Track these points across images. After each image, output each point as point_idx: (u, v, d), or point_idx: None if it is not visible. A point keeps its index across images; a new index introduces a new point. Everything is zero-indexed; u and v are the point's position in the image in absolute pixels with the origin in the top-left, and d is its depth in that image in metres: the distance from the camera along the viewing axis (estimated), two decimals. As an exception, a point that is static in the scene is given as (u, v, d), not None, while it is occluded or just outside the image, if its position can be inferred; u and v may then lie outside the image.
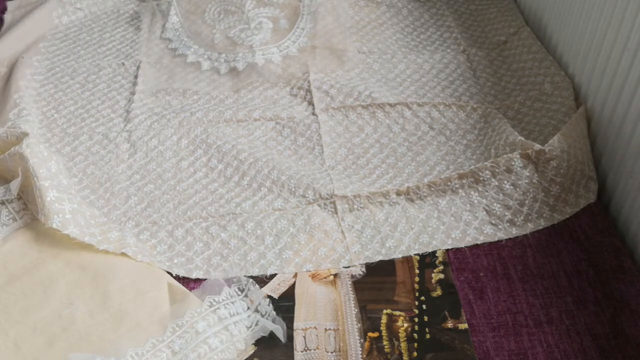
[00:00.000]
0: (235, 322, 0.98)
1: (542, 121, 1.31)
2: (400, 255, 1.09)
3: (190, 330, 0.96)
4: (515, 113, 1.36)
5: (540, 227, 1.13)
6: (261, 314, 1.00)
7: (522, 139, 1.19)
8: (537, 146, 1.15)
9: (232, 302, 1.01)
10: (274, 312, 1.00)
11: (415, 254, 1.09)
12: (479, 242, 1.11)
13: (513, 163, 1.15)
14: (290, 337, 0.98)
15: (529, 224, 1.13)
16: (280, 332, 0.98)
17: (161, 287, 1.02)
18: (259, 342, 0.97)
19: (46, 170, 1.12)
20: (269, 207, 1.18)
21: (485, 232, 1.12)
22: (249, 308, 1.00)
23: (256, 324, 0.98)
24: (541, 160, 1.14)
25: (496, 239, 1.11)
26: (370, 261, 1.08)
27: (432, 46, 1.60)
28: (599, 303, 1.01)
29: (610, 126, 1.18)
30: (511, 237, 1.12)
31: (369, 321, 1.00)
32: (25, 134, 1.19)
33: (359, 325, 0.99)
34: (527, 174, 1.14)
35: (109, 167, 1.27)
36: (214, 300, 1.00)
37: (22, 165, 1.12)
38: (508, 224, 1.13)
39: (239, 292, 1.03)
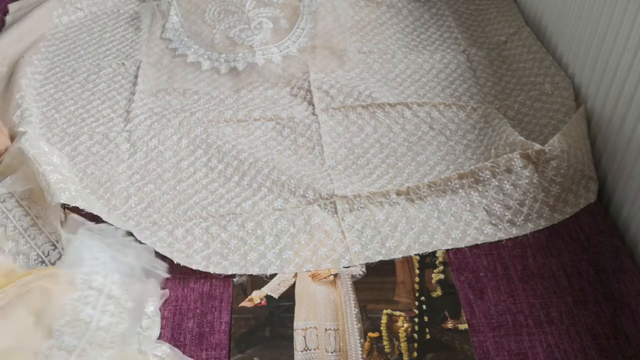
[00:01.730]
0: (113, 282, 0.88)
1: (542, 121, 1.31)
2: (400, 255, 1.09)
3: (76, 323, 0.85)
4: (515, 113, 1.36)
5: (540, 227, 1.13)
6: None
7: (522, 139, 1.18)
8: (537, 146, 1.15)
9: (102, 263, 0.90)
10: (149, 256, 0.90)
11: (415, 254, 1.09)
12: (479, 242, 1.11)
13: (513, 163, 1.15)
14: (290, 337, 0.98)
15: (529, 224, 1.13)
16: (160, 267, 0.89)
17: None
18: (259, 342, 0.97)
19: (48, 160, 1.13)
20: (269, 207, 1.18)
21: (485, 232, 1.12)
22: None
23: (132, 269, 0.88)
24: (541, 160, 1.14)
25: (496, 239, 1.11)
26: (370, 261, 1.08)
27: (432, 46, 1.59)
28: (599, 303, 1.01)
29: (610, 126, 1.18)
30: (511, 237, 1.12)
31: (369, 321, 1.00)
32: (24, 133, 1.20)
33: (359, 325, 0.99)
34: (527, 174, 1.14)
35: (109, 167, 1.27)
36: (83, 275, 0.88)
37: (22, 159, 1.12)
38: (508, 224, 1.13)
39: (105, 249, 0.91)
